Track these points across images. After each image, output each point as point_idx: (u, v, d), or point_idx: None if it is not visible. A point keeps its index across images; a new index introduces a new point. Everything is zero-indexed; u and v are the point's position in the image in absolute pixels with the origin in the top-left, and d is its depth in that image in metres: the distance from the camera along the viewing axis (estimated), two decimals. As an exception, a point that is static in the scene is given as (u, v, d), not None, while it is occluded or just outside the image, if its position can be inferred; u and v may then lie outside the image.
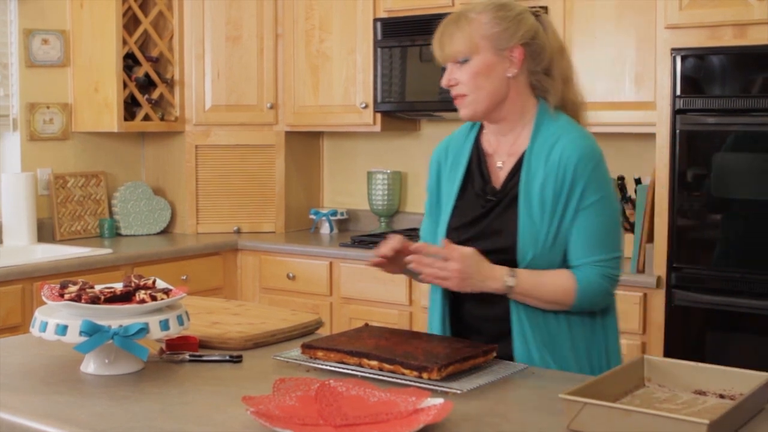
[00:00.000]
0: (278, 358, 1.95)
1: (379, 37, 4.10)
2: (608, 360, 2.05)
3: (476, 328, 2.08)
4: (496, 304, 2.01)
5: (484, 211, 2.04)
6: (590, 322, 2.03)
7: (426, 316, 2.23)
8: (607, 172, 2.02)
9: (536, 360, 1.97)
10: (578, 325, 2.02)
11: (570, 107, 2.09)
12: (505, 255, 1.98)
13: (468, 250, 1.92)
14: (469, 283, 1.93)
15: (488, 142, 2.11)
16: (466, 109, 2.03)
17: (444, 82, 2.03)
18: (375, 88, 4.15)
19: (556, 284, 1.96)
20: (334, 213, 4.60)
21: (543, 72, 2.05)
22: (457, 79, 2.01)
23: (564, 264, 2.00)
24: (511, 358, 1.99)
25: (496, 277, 1.93)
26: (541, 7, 3.64)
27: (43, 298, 1.87)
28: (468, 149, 2.11)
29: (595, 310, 2.02)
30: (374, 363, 1.82)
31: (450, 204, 2.09)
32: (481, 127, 2.14)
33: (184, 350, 1.99)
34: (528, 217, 1.97)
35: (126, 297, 1.89)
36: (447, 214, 2.09)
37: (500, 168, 2.07)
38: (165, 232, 4.59)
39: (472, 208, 2.06)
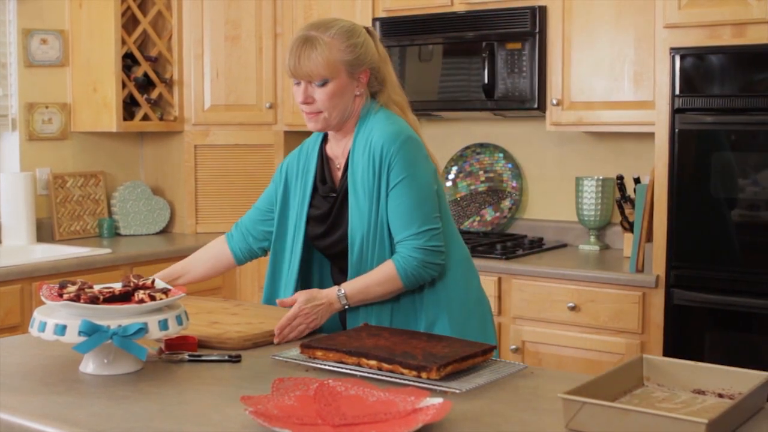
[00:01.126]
0: (277, 357, 1.95)
1: (378, 36, 4.09)
2: (451, 325, 2.23)
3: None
4: (337, 271, 2.32)
5: (328, 208, 2.30)
6: (413, 298, 2.25)
7: None
8: (417, 152, 2.23)
9: None
10: (406, 305, 2.25)
11: (394, 106, 2.33)
12: (343, 243, 2.25)
13: (300, 297, 2.15)
14: (323, 313, 2.16)
15: (330, 148, 2.37)
16: (319, 123, 2.26)
17: (301, 99, 2.23)
18: (374, 88, 4.14)
19: (380, 279, 2.18)
20: (333, 213, 4.59)
21: (378, 84, 2.33)
22: (314, 97, 2.22)
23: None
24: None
25: (333, 300, 2.17)
26: (540, 7, 3.67)
27: (42, 298, 1.87)
28: (315, 156, 2.37)
29: (425, 283, 2.22)
30: (373, 363, 1.82)
31: (305, 205, 2.34)
32: (325, 136, 2.39)
33: (182, 350, 1.99)
34: (356, 206, 2.23)
35: (125, 297, 1.89)
36: (303, 213, 2.33)
37: (339, 168, 2.34)
38: (164, 231, 4.59)
39: (320, 207, 2.33)
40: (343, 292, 2.18)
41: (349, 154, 2.28)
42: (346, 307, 2.19)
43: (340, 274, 2.32)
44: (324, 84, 2.20)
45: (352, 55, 2.22)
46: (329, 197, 2.31)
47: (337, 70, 2.20)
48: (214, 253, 2.51)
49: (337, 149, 2.35)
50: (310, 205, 2.34)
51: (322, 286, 2.33)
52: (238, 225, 2.52)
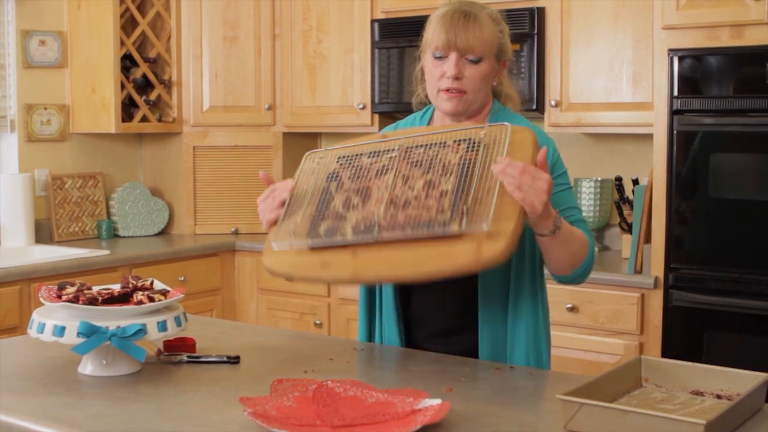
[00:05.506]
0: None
1: (377, 37, 4.10)
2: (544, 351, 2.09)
3: (425, 321, 2.12)
4: (450, 297, 2.08)
5: None
6: (533, 311, 2.08)
7: None
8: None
9: (497, 354, 2.03)
10: (530, 316, 2.06)
11: (510, 102, 2.20)
12: None
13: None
14: (544, 206, 1.79)
15: None
16: (460, 104, 2.05)
17: (453, 73, 2.01)
18: (372, 89, 4.15)
19: (580, 235, 2.00)
20: (332, 214, 4.59)
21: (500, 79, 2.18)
22: (464, 74, 2.03)
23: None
24: (467, 352, 2.04)
25: (551, 215, 1.85)
26: (538, 8, 3.67)
27: (41, 299, 1.87)
28: None
29: (578, 281, 2.10)
30: None
31: None
32: (431, 119, 2.19)
33: (181, 351, 1.99)
34: None
35: (124, 298, 1.89)
36: None
37: None
38: (163, 233, 4.59)
39: None
40: (560, 223, 1.87)
41: None
42: (550, 233, 1.87)
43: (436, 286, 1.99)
44: (478, 61, 2.02)
45: (502, 41, 2.08)
46: None
47: (491, 50, 2.04)
48: None
49: None
50: None
51: (422, 293, 2.11)
52: None
